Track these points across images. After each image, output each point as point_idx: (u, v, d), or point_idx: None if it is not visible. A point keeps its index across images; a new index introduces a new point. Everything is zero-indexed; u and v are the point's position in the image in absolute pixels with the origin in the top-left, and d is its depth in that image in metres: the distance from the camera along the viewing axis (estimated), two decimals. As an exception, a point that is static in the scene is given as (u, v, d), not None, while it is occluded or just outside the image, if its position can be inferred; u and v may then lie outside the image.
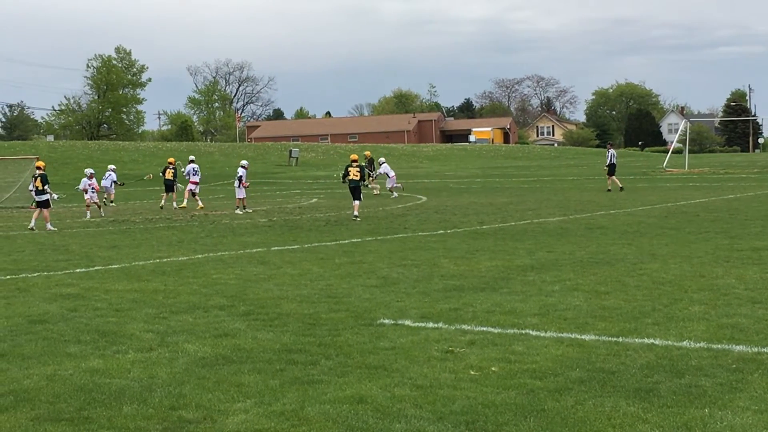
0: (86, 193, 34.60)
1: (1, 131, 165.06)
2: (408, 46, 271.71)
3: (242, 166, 36.63)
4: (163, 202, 39.18)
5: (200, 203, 38.38)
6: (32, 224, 28.34)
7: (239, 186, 35.65)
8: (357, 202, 30.57)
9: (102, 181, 41.95)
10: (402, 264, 18.11)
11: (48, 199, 29.02)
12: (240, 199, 35.80)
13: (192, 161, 40.74)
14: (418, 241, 22.61)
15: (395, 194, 43.69)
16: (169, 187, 39.56)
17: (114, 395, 8.85)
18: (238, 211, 34.89)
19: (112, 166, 45.51)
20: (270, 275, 16.97)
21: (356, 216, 30.08)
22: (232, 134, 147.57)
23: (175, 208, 38.08)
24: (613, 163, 45.25)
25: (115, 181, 43.23)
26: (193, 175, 39.78)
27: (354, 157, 32.30)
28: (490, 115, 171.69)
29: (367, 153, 53.32)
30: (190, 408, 8.39)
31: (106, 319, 12.88)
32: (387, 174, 45.19)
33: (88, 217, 33.36)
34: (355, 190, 30.75)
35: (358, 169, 31.21)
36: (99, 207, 35.05)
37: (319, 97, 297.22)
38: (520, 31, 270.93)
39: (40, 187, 28.90)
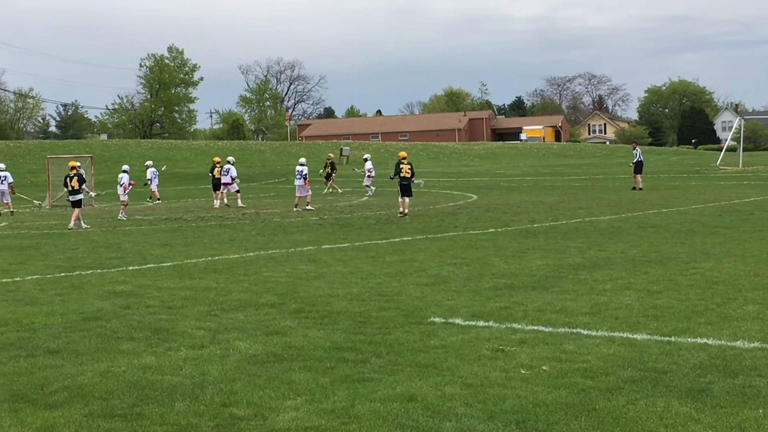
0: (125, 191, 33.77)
1: (56, 130, 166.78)
2: (459, 45, 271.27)
3: (301, 164, 36.83)
4: (218, 202, 39.45)
5: (216, 204, 38.85)
6: (72, 224, 28.58)
7: (304, 184, 35.73)
8: (407, 200, 30.64)
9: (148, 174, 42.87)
10: (452, 262, 18.08)
11: (81, 199, 29.24)
12: (301, 197, 35.84)
13: (230, 162, 40.85)
14: (468, 239, 22.56)
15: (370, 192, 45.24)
16: (217, 185, 39.88)
17: (166, 392, 8.91)
18: (297, 209, 34.89)
19: (149, 162, 46.05)
20: (320, 273, 17.01)
21: (405, 213, 30.25)
22: (283, 133, 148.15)
23: (236, 207, 38.28)
24: (641, 161, 44.84)
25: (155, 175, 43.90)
26: (224, 175, 39.99)
27: (403, 154, 32.25)
28: (541, 113, 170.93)
29: (330, 155, 53.25)
30: (241, 405, 8.44)
31: (159, 316, 12.99)
32: (369, 172, 46.07)
33: (122, 216, 32.79)
34: (407, 187, 30.76)
35: (410, 166, 31.18)
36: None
37: (370, 96, 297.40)
38: (571, 28, 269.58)
39: (76, 187, 29.20)
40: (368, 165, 47.02)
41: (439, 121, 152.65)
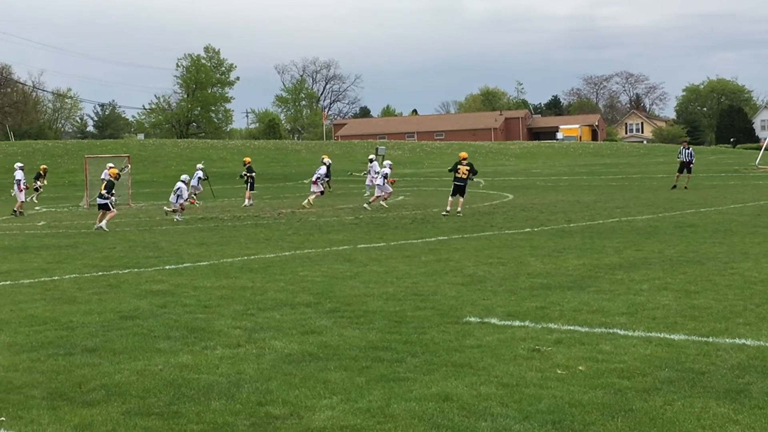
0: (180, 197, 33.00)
1: (93, 130, 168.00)
2: (495, 44, 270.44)
3: (388, 166, 37.15)
4: (249, 201, 39.68)
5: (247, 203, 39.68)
6: (101, 224, 28.42)
7: (384, 183, 35.85)
8: (460, 199, 30.76)
9: (192, 180, 42.85)
10: (488, 262, 18.05)
11: (108, 203, 29.09)
12: (377, 196, 35.94)
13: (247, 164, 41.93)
14: (504, 239, 22.52)
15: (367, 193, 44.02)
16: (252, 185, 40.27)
17: (202, 390, 8.95)
18: (366, 206, 34.99)
19: (200, 165, 46.20)
20: (356, 273, 17.03)
21: (448, 212, 30.32)
22: (319, 132, 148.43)
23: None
24: (684, 161, 44.56)
25: (201, 178, 43.97)
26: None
27: (464, 155, 32.15)
28: (577, 112, 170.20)
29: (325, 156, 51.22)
30: (277, 404, 8.46)
31: (195, 315, 13.04)
32: (373, 172, 43.82)
33: (179, 218, 32.22)
34: (460, 188, 30.82)
35: (468, 167, 31.10)
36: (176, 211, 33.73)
37: (406, 95, 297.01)
38: (608, 27, 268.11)
39: (104, 193, 29.18)
40: (373, 165, 45.75)
41: (475, 120, 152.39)
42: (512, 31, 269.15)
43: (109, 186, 29.51)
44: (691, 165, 44.61)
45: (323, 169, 40.16)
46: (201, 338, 11.44)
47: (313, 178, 38.32)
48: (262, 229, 27.25)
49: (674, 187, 42.54)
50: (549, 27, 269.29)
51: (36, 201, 46.03)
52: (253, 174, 41.08)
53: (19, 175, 38.60)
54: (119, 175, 30.89)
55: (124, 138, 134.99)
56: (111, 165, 42.81)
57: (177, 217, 32.05)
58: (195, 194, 42.38)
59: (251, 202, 39.93)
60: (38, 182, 48.08)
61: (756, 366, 9.42)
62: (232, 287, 15.58)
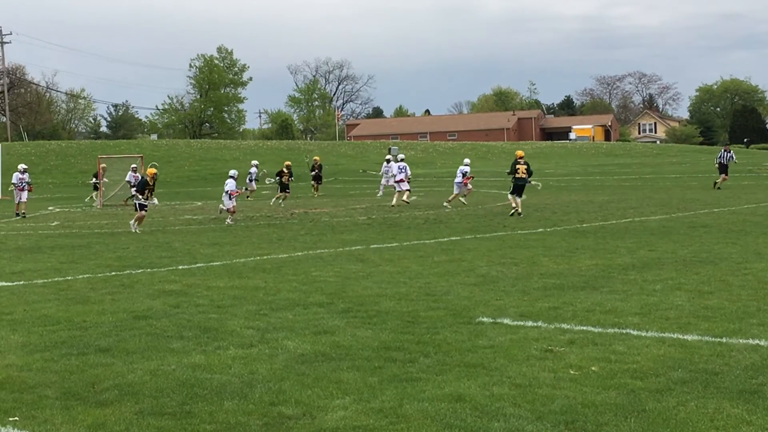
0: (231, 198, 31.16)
1: (106, 130, 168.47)
2: (507, 44, 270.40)
3: (466, 164, 37.48)
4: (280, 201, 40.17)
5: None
6: (133, 223, 28.28)
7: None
8: (519, 199, 30.52)
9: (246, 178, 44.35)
10: (501, 262, 18.03)
11: (140, 203, 28.54)
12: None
13: (254, 164, 45.19)
14: (517, 239, 22.49)
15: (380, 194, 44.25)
16: (284, 186, 40.57)
17: (215, 390, 8.96)
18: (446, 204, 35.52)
19: (255, 162, 47.02)
20: (369, 273, 17.03)
21: (519, 212, 30.04)
22: (332, 132, 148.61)
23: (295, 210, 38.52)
24: (721, 164, 44.37)
25: (254, 178, 44.73)
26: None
27: (520, 153, 32.02)
28: (590, 112, 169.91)
29: (316, 158, 51.33)
30: (290, 404, 8.46)
31: (208, 315, 13.06)
32: (390, 173, 42.88)
33: (230, 221, 30.56)
34: (521, 187, 30.61)
35: (526, 166, 30.87)
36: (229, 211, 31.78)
37: (418, 96, 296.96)
38: (621, 27, 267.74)
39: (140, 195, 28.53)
40: (393, 168, 45.06)
41: (488, 120, 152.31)
42: (525, 31, 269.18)
43: (141, 185, 28.94)
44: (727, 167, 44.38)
45: (253, 170, 44.78)
46: (214, 338, 11.45)
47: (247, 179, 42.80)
48: (274, 230, 27.27)
49: (718, 188, 42.22)
50: (562, 27, 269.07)
51: (94, 199, 45.31)
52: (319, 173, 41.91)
53: (14, 178, 37.75)
54: (156, 175, 29.72)
55: (138, 138, 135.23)
56: (135, 165, 43.19)
57: (228, 220, 30.60)
58: (249, 192, 43.56)
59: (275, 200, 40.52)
60: (95, 180, 46.81)
61: (770, 367, 9.39)
62: (244, 287, 15.59)
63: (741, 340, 10.63)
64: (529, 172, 30.91)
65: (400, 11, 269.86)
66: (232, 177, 32.15)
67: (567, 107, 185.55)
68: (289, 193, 40.96)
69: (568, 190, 45.95)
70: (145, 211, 28.81)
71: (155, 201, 28.98)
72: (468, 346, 10.66)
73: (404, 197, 36.74)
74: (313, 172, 48.79)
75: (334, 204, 39.24)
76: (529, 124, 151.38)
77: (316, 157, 51.49)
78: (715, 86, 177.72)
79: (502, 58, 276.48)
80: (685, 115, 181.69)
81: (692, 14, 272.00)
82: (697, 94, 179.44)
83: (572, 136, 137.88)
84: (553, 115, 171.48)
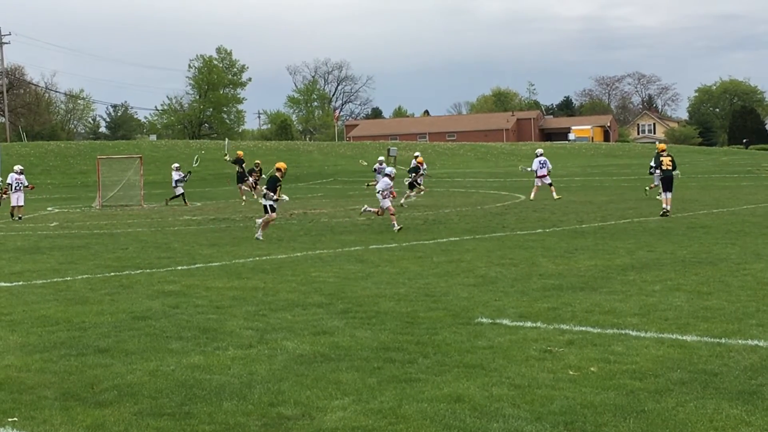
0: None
1: (106, 131, 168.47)
2: (506, 44, 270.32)
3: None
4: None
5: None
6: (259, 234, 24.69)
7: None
8: (669, 195, 29.16)
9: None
10: (500, 263, 18.04)
11: (268, 205, 25.20)
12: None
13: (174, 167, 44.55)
14: (516, 239, 22.50)
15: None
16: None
17: (214, 391, 8.96)
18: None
19: (176, 165, 46.18)
20: (368, 273, 17.03)
21: (667, 211, 28.61)
22: (331, 133, 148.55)
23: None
24: None
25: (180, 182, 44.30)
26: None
27: (662, 146, 31.19)
28: (589, 113, 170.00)
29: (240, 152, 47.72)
30: (289, 405, 8.46)
31: (207, 316, 13.06)
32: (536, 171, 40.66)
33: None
34: (669, 180, 29.27)
35: (671, 158, 29.82)
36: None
37: (417, 96, 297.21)
38: (620, 28, 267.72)
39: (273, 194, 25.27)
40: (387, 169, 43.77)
41: (487, 121, 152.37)
42: (524, 32, 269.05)
43: (273, 182, 25.56)
44: None
45: (176, 174, 43.72)
46: (213, 339, 11.45)
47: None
48: (273, 230, 27.24)
49: None
50: (561, 27, 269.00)
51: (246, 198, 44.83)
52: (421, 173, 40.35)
53: (10, 179, 37.22)
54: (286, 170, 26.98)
55: (137, 139, 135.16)
56: (177, 165, 43.52)
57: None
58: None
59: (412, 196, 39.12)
60: (252, 177, 45.24)
61: (769, 367, 9.40)
62: (243, 288, 15.60)
63: (740, 341, 10.64)
64: (674, 165, 29.86)
65: (399, 12, 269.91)
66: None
67: (566, 108, 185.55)
68: (257, 189, 41.23)
69: (568, 191, 45.92)
70: (276, 213, 25.69)
71: (285, 197, 26.26)
72: (467, 347, 10.66)
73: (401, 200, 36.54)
74: (240, 171, 45.25)
75: (333, 204, 39.23)
76: (528, 125, 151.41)
77: (240, 152, 48.61)
78: (714, 87, 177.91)
79: (501, 58, 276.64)
80: (684, 116, 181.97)
81: (691, 15, 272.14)
82: (696, 94, 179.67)
83: (571, 136, 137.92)
84: (552, 116, 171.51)
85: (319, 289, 15.30)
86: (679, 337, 10.92)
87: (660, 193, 30.55)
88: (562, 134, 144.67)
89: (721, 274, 15.74)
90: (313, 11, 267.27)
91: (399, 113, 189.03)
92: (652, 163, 31.47)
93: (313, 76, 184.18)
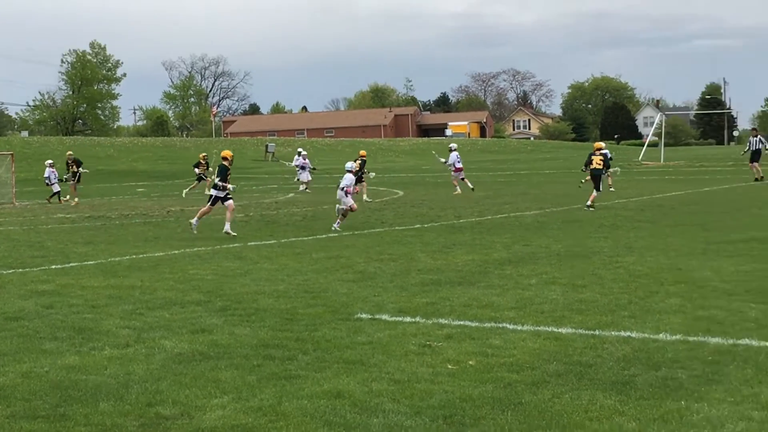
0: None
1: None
2: (384, 41, 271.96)
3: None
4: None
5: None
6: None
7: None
8: (596, 193, 29.75)
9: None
10: (379, 258, 18.10)
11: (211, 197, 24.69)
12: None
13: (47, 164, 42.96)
14: (395, 235, 22.60)
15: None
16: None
17: (90, 392, 8.79)
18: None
19: (49, 161, 44.92)
20: (247, 270, 16.93)
21: (591, 206, 28.99)
22: (208, 129, 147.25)
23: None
24: (757, 150, 43.82)
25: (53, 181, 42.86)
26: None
27: (598, 145, 31.82)
28: (466, 109, 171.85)
29: (362, 152, 41.54)
30: (167, 404, 8.35)
31: (82, 315, 12.81)
32: (453, 165, 40.43)
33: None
34: (597, 178, 30.02)
35: (601, 157, 30.41)
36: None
37: (296, 92, 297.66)
38: (496, 25, 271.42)
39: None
40: (453, 157, 40.69)
41: (365, 117, 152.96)
42: (401, 28, 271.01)
43: (223, 171, 24.56)
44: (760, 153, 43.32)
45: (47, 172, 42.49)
46: (89, 339, 11.24)
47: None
48: (150, 228, 26.91)
49: (761, 179, 41.91)
50: (437, 24, 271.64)
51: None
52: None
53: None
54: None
55: (7, 135, 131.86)
56: (51, 161, 41.99)
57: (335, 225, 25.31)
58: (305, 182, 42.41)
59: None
60: (198, 170, 44.70)
61: (641, 358, 9.61)
62: (120, 286, 15.34)
63: (613, 333, 10.86)
64: (606, 164, 30.58)
65: (276, 7, 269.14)
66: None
67: (443, 104, 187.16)
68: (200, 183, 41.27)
69: (445, 186, 46.29)
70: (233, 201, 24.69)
71: (230, 186, 24.42)
72: (347, 343, 10.67)
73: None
74: (67, 176, 42.36)
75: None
76: (406, 121, 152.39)
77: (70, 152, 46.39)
78: (587, 84, 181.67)
79: (379, 54, 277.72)
80: (558, 112, 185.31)
81: (565, 13, 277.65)
82: (570, 91, 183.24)
83: (448, 132, 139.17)
84: (429, 112, 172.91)
85: (197, 286, 15.15)
86: (555, 330, 11.10)
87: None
88: (439, 130, 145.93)
89: (595, 267, 16.06)
90: (189, 6, 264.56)
91: (277, 109, 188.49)
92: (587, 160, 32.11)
93: (189, 72, 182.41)
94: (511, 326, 11.40)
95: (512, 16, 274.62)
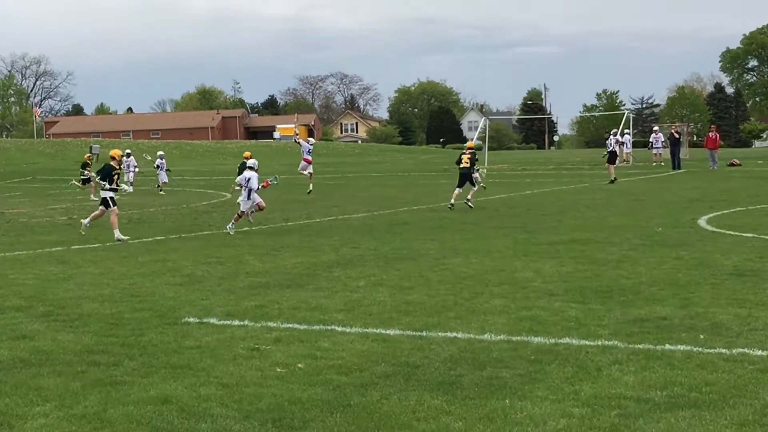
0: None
1: None
2: (212, 43, 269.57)
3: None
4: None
5: None
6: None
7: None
8: (459, 191, 30.23)
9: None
10: (207, 261, 17.94)
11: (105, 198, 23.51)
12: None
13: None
14: (222, 238, 22.43)
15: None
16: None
17: None
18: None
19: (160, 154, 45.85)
20: (70, 275, 16.54)
21: (452, 205, 29.68)
22: (30, 130, 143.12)
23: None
24: (614, 152, 44.89)
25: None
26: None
27: (470, 144, 32.25)
28: (294, 111, 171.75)
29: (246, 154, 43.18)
30: (-14, 414, 8.10)
31: None
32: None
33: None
34: (465, 176, 30.31)
35: (469, 156, 30.62)
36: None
37: (121, 93, 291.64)
38: (322, 28, 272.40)
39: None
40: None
41: (192, 119, 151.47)
42: (229, 31, 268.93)
43: (107, 171, 23.69)
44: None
45: None
46: None
47: None
48: (-33, 231, 26.00)
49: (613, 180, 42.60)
50: (265, 27, 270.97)
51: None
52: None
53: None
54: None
55: None
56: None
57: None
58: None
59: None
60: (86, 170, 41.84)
61: (466, 358, 9.79)
62: (-65, 292, 14.78)
63: (440, 333, 11.03)
64: (472, 163, 30.76)
65: (101, 7, 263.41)
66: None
67: (271, 107, 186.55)
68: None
69: (273, 189, 46.18)
70: (115, 206, 23.58)
71: (127, 188, 22.08)
72: (174, 347, 10.55)
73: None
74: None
75: (32, 204, 37.81)
76: (234, 123, 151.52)
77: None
78: (413, 88, 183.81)
79: (207, 56, 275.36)
80: (385, 116, 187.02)
81: (391, 18, 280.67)
82: (396, 95, 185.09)
83: (276, 135, 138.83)
84: (257, 115, 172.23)
85: (17, 291, 14.71)
86: (383, 332, 11.20)
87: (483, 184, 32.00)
88: (267, 133, 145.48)
89: (422, 269, 16.27)
90: (8, 4, 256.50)
91: (101, 110, 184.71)
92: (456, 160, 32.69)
93: (9, 71, 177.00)
94: (339, 328, 11.45)
95: (339, 20, 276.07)
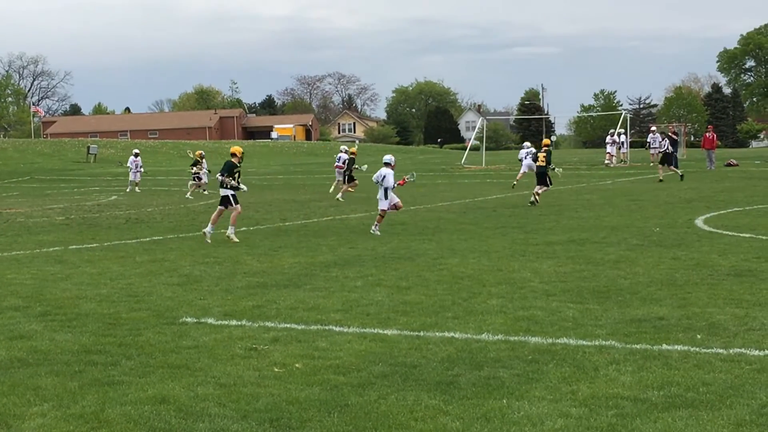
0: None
1: None
2: (210, 43, 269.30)
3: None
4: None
5: None
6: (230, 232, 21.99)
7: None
8: (538, 188, 30.65)
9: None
10: (204, 261, 17.94)
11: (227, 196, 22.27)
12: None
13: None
14: (220, 238, 22.41)
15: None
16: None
17: None
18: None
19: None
20: (68, 274, 16.54)
21: (535, 202, 30.21)
22: (27, 130, 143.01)
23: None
24: (668, 152, 43.37)
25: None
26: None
27: (546, 141, 32.43)
28: (291, 112, 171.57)
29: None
30: (-16, 413, 8.11)
31: None
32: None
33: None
34: (542, 174, 30.68)
35: (545, 153, 30.90)
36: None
37: (118, 93, 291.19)
38: (321, 29, 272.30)
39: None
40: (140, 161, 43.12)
41: (190, 119, 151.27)
42: (226, 30, 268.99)
43: (229, 167, 22.48)
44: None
45: None
46: None
47: None
48: (-35, 231, 25.99)
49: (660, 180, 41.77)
50: (263, 27, 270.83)
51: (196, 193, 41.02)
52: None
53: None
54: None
55: None
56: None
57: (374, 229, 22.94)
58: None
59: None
60: (195, 168, 42.14)
61: (464, 358, 9.80)
62: (-67, 292, 14.78)
63: (437, 333, 11.04)
64: (548, 160, 30.97)
65: (98, 7, 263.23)
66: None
67: (269, 107, 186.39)
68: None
69: (271, 189, 46.21)
70: (238, 203, 22.50)
71: (244, 188, 22.16)
72: (172, 347, 10.56)
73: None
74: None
75: (30, 204, 37.80)
76: (231, 123, 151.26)
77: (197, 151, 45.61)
78: (411, 88, 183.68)
79: (204, 56, 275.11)
80: (383, 116, 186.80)
81: (389, 18, 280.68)
82: (394, 95, 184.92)
83: (274, 135, 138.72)
84: (255, 114, 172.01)
85: (15, 291, 14.72)
86: (381, 332, 11.21)
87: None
88: (264, 133, 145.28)
89: (419, 269, 16.28)
90: (5, 3, 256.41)
91: (99, 110, 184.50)
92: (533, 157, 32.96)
93: (6, 71, 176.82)
94: (337, 328, 11.47)
95: (337, 21, 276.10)
